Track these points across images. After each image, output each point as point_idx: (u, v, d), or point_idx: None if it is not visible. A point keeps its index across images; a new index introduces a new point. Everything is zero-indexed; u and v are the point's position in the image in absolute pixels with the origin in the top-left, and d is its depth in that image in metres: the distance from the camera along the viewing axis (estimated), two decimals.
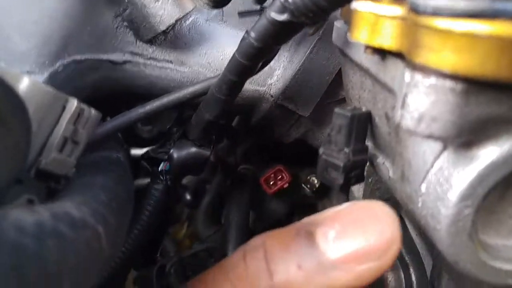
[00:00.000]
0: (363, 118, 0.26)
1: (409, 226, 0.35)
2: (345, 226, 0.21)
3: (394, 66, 0.22)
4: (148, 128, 0.45)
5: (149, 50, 0.35)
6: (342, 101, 0.38)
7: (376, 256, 0.20)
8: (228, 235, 0.41)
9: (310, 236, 0.21)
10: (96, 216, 0.20)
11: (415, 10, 0.18)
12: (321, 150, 0.27)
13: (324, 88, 0.36)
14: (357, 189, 0.35)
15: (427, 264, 0.35)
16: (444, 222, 0.21)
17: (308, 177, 0.47)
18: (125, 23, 0.32)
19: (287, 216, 0.49)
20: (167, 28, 0.33)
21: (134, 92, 0.35)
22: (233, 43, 0.28)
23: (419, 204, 0.22)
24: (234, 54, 0.27)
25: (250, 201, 0.46)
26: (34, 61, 0.27)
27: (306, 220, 0.23)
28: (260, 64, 0.30)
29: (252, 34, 0.26)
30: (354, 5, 0.22)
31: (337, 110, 0.26)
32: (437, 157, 0.21)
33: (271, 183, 0.45)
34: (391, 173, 0.26)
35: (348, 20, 0.25)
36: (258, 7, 0.35)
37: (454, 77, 0.17)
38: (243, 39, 0.26)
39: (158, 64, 0.36)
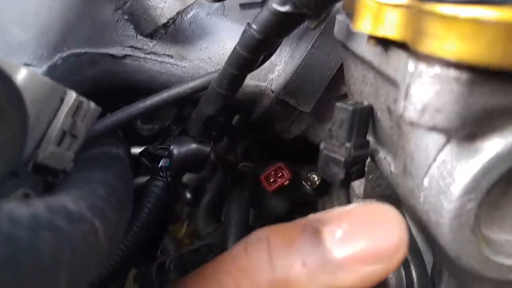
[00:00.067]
0: (364, 112, 0.26)
1: (410, 223, 0.34)
2: (353, 226, 0.21)
3: (397, 57, 0.21)
4: (149, 126, 0.45)
5: (150, 44, 0.35)
6: (344, 97, 0.37)
7: (382, 259, 0.20)
8: (228, 232, 0.41)
9: (316, 233, 0.21)
10: (94, 210, 0.20)
11: None
12: (322, 145, 0.27)
13: (326, 83, 0.36)
14: (358, 185, 0.35)
15: (428, 261, 0.35)
16: (447, 216, 0.20)
17: (309, 175, 0.46)
18: (126, 16, 0.32)
19: (287, 214, 0.49)
20: (167, 21, 0.32)
21: (134, 86, 0.35)
22: (234, 38, 0.28)
23: (421, 199, 0.22)
24: (235, 47, 0.27)
25: (250, 199, 0.45)
26: (32, 53, 0.26)
27: (312, 217, 0.23)
28: (262, 57, 0.30)
29: (254, 26, 0.25)
30: None
31: (338, 104, 0.25)
32: (440, 150, 0.21)
33: (271, 180, 0.45)
34: (392, 168, 0.26)
35: (351, 11, 0.24)
36: None
37: (459, 66, 0.17)
38: (244, 31, 0.26)
39: (159, 59, 0.35)
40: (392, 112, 0.24)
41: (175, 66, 0.36)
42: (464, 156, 0.20)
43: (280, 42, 0.29)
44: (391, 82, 0.23)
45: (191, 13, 0.35)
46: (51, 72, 0.27)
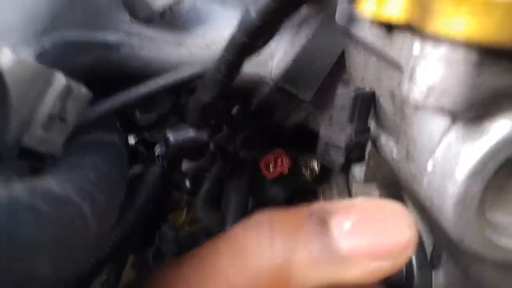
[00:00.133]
0: (366, 98, 0.26)
1: (411, 208, 0.34)
2: (362, 219, 0.20)
3: (402, 39, 0.21)
4: (147, 116, 0.44)
5: (145, 30, 0.34)
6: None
7: (390, 256, 0.19)
8: (227, 217, 0.41)
9: (323, 222, 0.20)
10: (82, 194, 0.19)
11: None
12: (321, 130, 0.26)
13: (326, 71, 0.35)
14: (358, 171, 0.34)
15: (428, 245, 0.34)
16: (451, 200, 0.20)
17: (308, 162, 0.46)
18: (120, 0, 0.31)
19: (286, 202, 0.48)
20: (164, 7, 0.31)
21: (129, 74, 0.34)
22: (233, 25, 0.27)
23: (425, 184, 0.22)
24: (233, 32, 0.26)
25: (250, 186, 0.45)
26: (20, 36, 0.25)
27: (319, 205, 0.22)
28: (260, 43, 0.29)
29: (252, 9, 0.25)
30: None
31: (340, 90, 0.25)
32: (445, 133, 0.20)
33: (271, 167, 0.44)
34: (394, 154, 0.25)
35: None
36: None
37: (467, 46, 0.16)
38: (243, 16, 0.25)
39: (155, 45, 0.34)
40: (395, 96, 0.24)
41: (172, 53, 0.35)
42: (470, 139, 0.19)
43: (279, 28, 0.29)
44: (395, 65, 0.22)
45: None
46: (40, 57, 0.26)
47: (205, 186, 0.57)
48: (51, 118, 0.22)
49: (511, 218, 0.22)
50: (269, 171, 0.44)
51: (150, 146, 0.33)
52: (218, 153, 0.48)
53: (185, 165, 0.68)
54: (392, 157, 0.25)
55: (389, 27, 0.21)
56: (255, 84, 0.36)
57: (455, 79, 0.17)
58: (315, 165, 0.46)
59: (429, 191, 0.21)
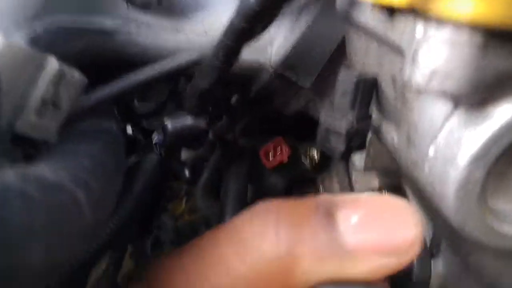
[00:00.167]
0: (369, 83, 0.25)
1: (411, 196, 0.34)
2: (369, 215, 0.20)
3: (404, 23, 0.20)
4: (145, 104, 0.43)
5: (142, 16, 0.33)
6: None
7: (397, 253, 0.19)
8: (226, 205, 0.41)
9: (330, 215, 0.20)
10: (77, 181, 0.19)
11: None
12: (322, 117, 0.25)
13: (326, 58, 0.34)
14: (358, 159, 0.34)
15: (427, 233, 0.34)
16: (453, 186, 0.20)
17: (308, 151, 0.45)
18: None
19: (285, 191, 0.48)
20: None
21: (125, 61, 0.33)
22: (231, 11, 0.26)
23: (426, 170, 0.21)
24: (231, 17, 0.26)
25: (249, 175, 0.45)
26: (11, 21, 0.25)
27: (326, 197, 0.21)
28: (259, 29, 0.28)
29: None
30: None
31: (342, 74, 0.24)
32: (447, 118, 0.20)
33: (270, 156, 0.44)
34: (395, 140, 0.25)
35: None
36: None
37: (471, 27, 0.16)
38: (241, 1, 0.25)
39: (152, 32, 0.34)
40: (396, 81, 0.23)
41: (169, 39, 0.34)
42: (472, 123, 0.19)
43: (278, 13, 0.28)
44: (396, 50, 0.22)
45: None
46: (32, 42, 0.25)
47: (204, 175, 0.57)
48: (44, 103, 0.21)
49: None
50: (269, 159, 0.44)
51: (148, 134, 0.33)
52: (217, 142, 0.47)
53: (184, 155, 0.68)
54: (393, 144, 0.25)
55: (390, 11, 0.21)
56: (254, 71, 0.35)
57: (459, 62, 0.16)
58: (315, 154, 0.46)
59: (430, 177, 0.21)
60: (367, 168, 0.37)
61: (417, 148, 0.22)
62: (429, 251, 0.32)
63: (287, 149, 0.43)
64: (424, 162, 0.22)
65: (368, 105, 0.25)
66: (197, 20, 0.34)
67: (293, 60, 0.33)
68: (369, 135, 0.28)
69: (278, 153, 0.44)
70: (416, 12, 0.18)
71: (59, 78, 0.22)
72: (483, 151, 0.19)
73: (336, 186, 0.45)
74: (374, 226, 0.19)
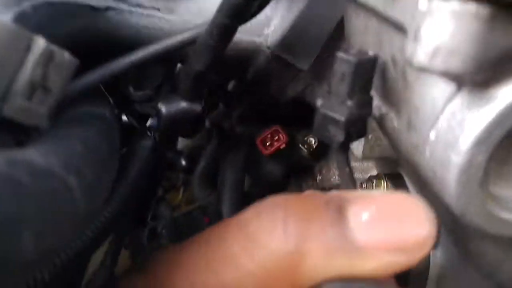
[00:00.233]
0: (369, 64, 0.23)
1: (409, 184, 0.33)
2: (381, 212, 0.19)
3: None
4: (140, 92, 0.43)
5: None
6: None
7: (407, 251, 0.18)
8: (223, 194, 0.40)
9: (340, 211, 0.19)
10: (68, 167, 0.18)
11: None
12: (319, 103, 0.24)
13: (324, 38, 0.33)
14: (356, 146, 0.33)
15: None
16: (454, 170, 0.19)
17: (305, 138, 0.45)
18: None
19: (283, 179, 0.48)
20: None
21: (118, 43, 0.32)
22: None
23: (427, 154, 0.21)
24: None
25: (246, 163, 0.44)
26: None
27: (336, 193, 0.21)
28: (255, 6, 0.27)
29: None
30: None
31: (340, 54, 0.22)
32: (449, 100, 0.19)
33: (268, 144, 0.43)
34: (395, 124, 0.24)
35: None
36: None
37: (478, 0, 0.15)
38: None
39: (145, 12, 0.33)
40: (397, 62, 0.22)
41: (163, 20, 0.33)
42: (475, 105, 0.18)
43: None
44: (397, 27, 0.21)
45: None
46: (20, 21, 0.24)
47: (201, 164, 0.56)
48: (32, 85, 0.21)
49: None
50: (266, 147, 0.43)
51: (141, 117, 0.32)
52: (214, 130, 0.47)
53: (181, 144, 0.68)
54: (393, 128, 0.24)
55: None
56: (250, 52, 0.34)
57: (464, 37, 0.16)
58: (312, 141, 0.45)
59: (431, 162, 0.21)
60: (365, 156, 0.36)
61: (418, 131, 0.21)
62: None
63: (284, 137, 0.43)
64: (425, 146, 0.21)
65: (369, 88, 0.24)
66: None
67: (291, 41, 0.32)
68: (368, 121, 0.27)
69: (275, 141, 0.43)
70: None
71: (47, 58, 0.21)
72: (486, 133, 0.18)
73: (333, 174, 0.45)
74: (385, 223, 0.19)
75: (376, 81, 0.26)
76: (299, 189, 0.48)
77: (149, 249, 0.40)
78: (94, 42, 0.31)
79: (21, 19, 0.25)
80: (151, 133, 0.30)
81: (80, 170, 0.19)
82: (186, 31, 0.31)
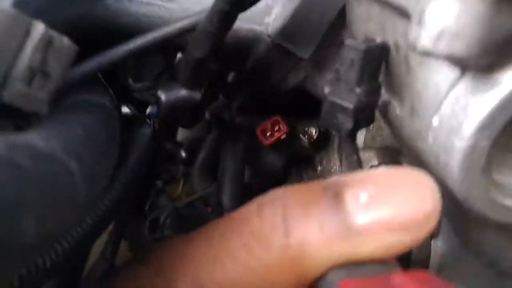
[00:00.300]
0: (378, 51, 0.23)
1: None
2: (380, 190, 0.18)
3: None
4: (140, 84, 0.42)
5: None
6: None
7: (411, 228, 0.18)
8: (223, 185, 0.40)
9: (337, 196, 0.19)
10: (69, 152, 0.18)
11: None
12: (327, 90, 0.24)
13: (325, 27, 0.33)
14: (358, 136, 0.33)
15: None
16: (458, 156, 0.19)
17: (306, 128, 0.45)
18: None
19: (283, 169, 0.48)
20: None
21: (116, 30, 0.32)
22: None
23: (430, 140, 0.20)
24: None
25: (246, 153, 0.44)
26: None
27: (336, 178, 0.20)
28: None
29: None
30: None
31: (348, 41, 0.22)
32: (452, 85, 0.19)
33: (268, 134, 0.43)
34: (398, 110, 0.24)
35: None
36: None
37: None
38: None
39: (145, 0, 0.32)
40: (400, 48, 0.22)
41: (162, 8, 0.33)
42: (479, 90, 0.18)
43: None
44: (400, 12, 0.21)
45: None
46: (19, 8, 0.24)
47: (201, 155, 0.56)
48: (31, 71, 0.20)
49: None
50: (266, 137, 0.43)
51: (140, 105, 0.32)
52: (214, 121, 0.46)
53: (181, 136, 0.67)
54: (395, 115, 0.24)
55: None
56: (250, 41, 0.34)
57: (469, 19, 0.15)
58: (313, 131, 0.45)
59: (434, 148, 0.20)
60: (366, 145, 0.36)
61: (421, 117, 0.21)
62: None
63: (285, 127, 0.42)
64: (428, 132, 0.21)
65: (377, 75, 0.23)
66: None
67: (291, 29, 0.32)
68: None
69: (275, 131, 0.43)
70: None
71: (46, 44, 0.21)
72: (490, 118, 0.18)
73: (334, 165, 0.45)
74: (385, 201, 0.18)
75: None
76: (300, 179, 0.48)
77: (151, 240, 0.40)
78: (92, 30, 0.31)
79: (20, 4, 0.24)
80: (150, 121, 0.29)
81: (81, 155, 0.19)
82: (185, 18, 0.31)
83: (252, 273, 0.19)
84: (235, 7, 0.25)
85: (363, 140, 0.36)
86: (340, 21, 0.32)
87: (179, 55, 0.37)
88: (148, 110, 0.31)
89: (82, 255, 0.36)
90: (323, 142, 0.45)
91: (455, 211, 0.27)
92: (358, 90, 0.22)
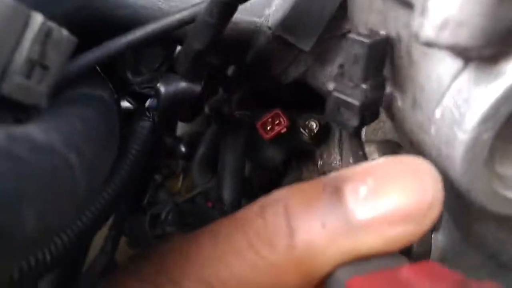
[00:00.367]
0: (382, 45, 0.22)
1: None
2: (379, 182, 0.18)
3: None
4: (139, 78, 0.42)
5: None
6: (346, 36, 0.35)
7: (413, 220, 0.18)
8: (223, 179, 0.40)
9: (337, 192, 0.19)
10: (69, 144, 0.18)
11: None
12: (331, 86, 0.23)
13: (327, 18, 0.33)
14: None
15: None
16: (460, 148, 0.19)
17: (306, 122, 0.44)
18: None
19: (284, 163, 0.47)
20: None
21: (115, 22, 0.32)
22: None
23: (432, 132, 0.20)
24: None
25: (246, 147, 0.44)
26: None
27: (336, 174, 0.20)
28: None
29: None
30: None
31: (352, 36, 0.21)
32: (455, 76, 0.19)
33: (268, 128, 0.43)
34: (400, 103, 0.24)
35: None
36: None
37: None
38: None
39: None
40: (402, 39, 0.22)
41: (161, 0, 0.32)
42: (483, 81, 0.18)
43: None
44: (402, 2, 0.20)
45: None
46: (17, 0, 0.24)
47: (201, 150, 0.56)
48: (30, 63, 0.20)
49: None
50: (266, 131, 0.43)
51: (139, 97, 0.31)
52: (213, 115, 0.46)
53: (180, 131, 0.67)
54: (397, 107, 0.24)
55: None
56: (250, 33, 0.33)
57: (473, 9, 0.15)
58: (313, 125, 0.45)
59: (437, 140, 0.20)
60: (367, 139, 0.36)
61: (423, 110, 0.21)
62: None
63: (285, 121, 0.42)
64: (430, 124, 0.21)
65: (381, 69, 0.23)
66: None
67: (292, 21, 0.32)
68: None
69: (276, 125, 0.43)
70: None
71: (45, 36, 0.21)
72: (493, 110, 0.18)
73: (335, 159, 0.45)
74: (385, 194, 0.18)
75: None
76: (300, 173, 0.48)
77: (151, 236, 0.40)
78: (91, 22, 0.31)
79: None
80: (150, 113, 0.29)
81: (81, 148, 0.19)
82: (184, 10, 0.30)
83: (258, 272, 0.19)
84: None
85: (364, 133, 0.36)
86: (342, 12, 0.32)
87: (178, 47, 0.37)
88: (147, 103, 0.31)
89: (82, 249, 0.36)
90: (323, 135, 0.45)
91: (456, 204, 0.27)
92: (364, 86, 0.21)
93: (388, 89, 0.25)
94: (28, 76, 0.20)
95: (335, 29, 0.34)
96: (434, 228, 0.32)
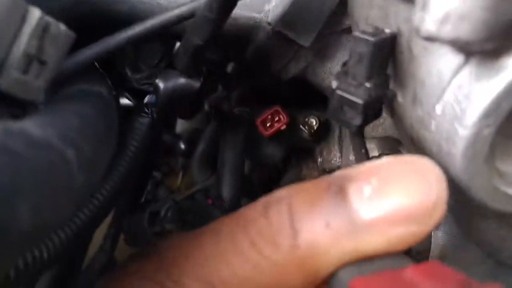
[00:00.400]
0: (386, 43, 0.22)
1: None
2: (383, 182, 0.18)
3: None
4: (138, 75, 0.42)
5: None
6: (346, 32, 0.34)
7: (417, 220, 0.17)
8: (222, 176, 0.40)
9: (341, 192, 0.18)
10: (66, 140, 0.18)
11: None
12: (335, 84, 0.23)
13: (327, 13, 0.32)
14: None
15: None
16: (461, 144, 0.19)
17: (306, 119, 0.44)
18: None
19: (283, 160, 0.47)
20: None
21: (112, 18, 0.32)
22: None
23: (433, 128, 0.20)
24: None
25: (245, 144, 0.43)
26: None
27: (339, 173, 0.20)
28: None
29: None
30: None
31: (357, 34, 0.21)
32: (456, 72, 0.19)
33: (268, 125, 0.43)
34: (400, 98, 0.23)
35: None
36: None
37: None
38: None
39: None
40: (403, 34, 0.22)
41: None
42: (484, 76, 0.18)
43: None
44: None
45: None
46: None
47: (200, 147, 0.56)
48: (27, 58, 0.20)
49: None
50: (266, 128, 0.43)
51: (138, 93, 0.31)
52: (213, 112, 0.46)
53: (180, 128, 0.67)
54: (398, 103, 0.24)
55: None
56: (250, 28, 0.33)
57: (475, 2, 0.15)
58: (313, 122, 0.45)
59: (437, 136, 0.20)
60: (368, 136, 0.36)
61: (423, 105, 0.21)
62: None
63: (285, 117, 0.42)
64: (430, 120, 0.20)
65: (385, 68, 0.22)
66: None
67: (292, 16, 0.31)
68: None
69: (275, 122, 0.43)
70: None
71: (43, 30, 0.20)
72: (494, 105, 0.18)
73: (334, 156, 0.45)
74: (389, 193, 0.18)
75: None
76: (300, 171, 0.48)
77: (150, 233, 0.40)
78: (88, 17, 0.30)
79: None
80: (148, 110, 0.29)
81: (78, 144, 0.19)
82: (183, 5, 0.30)
83: (260, 272, 0.19)
84: None
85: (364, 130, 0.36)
86: (342, 8, 0.32)
87: (177, 44, 0.37)
88: (146, 99, 0.30)
89: (80, 246, 0.36)
90: (323, 132, 0.45)
91: (456, 201, 0.27)
92: (367, 84, 0.21)
93: (389, 85, 0.25)
94: (25, 71, 0.20)
95: (335, 24, 0.34)
96: None
